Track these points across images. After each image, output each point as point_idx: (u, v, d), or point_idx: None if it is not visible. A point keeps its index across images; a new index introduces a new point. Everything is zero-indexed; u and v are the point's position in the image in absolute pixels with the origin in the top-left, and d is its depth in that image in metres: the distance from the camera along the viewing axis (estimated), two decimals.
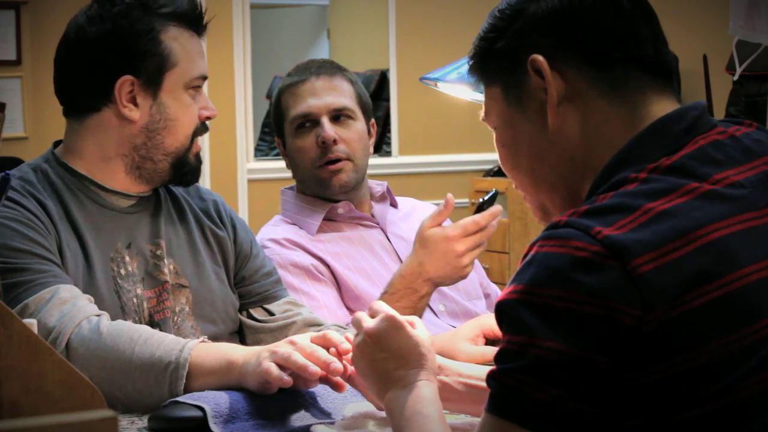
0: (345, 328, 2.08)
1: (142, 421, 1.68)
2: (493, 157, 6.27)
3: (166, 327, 1.97)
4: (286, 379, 1.66)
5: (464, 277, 2.30)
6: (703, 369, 1.15)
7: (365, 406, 1.70)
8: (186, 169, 2.04)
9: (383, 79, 6.62)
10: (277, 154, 6.91)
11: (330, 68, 2.57)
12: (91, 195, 2.01)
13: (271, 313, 2.14)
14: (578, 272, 1.15)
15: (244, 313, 2.14)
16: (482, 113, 1.43)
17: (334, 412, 1.72)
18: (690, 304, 1.15)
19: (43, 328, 1.77)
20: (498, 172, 5.75)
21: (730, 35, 3.58)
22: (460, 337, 2.10)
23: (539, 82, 1.33)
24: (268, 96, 7.32)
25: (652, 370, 1.15)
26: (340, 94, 2.53)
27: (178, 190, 2.15)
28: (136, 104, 2.00)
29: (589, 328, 1.14)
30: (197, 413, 1.63)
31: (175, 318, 2.01)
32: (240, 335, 2.13)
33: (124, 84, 1.99)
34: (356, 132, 2.53)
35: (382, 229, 2.59)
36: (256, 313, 2.14)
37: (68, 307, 1.80)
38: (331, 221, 2.55)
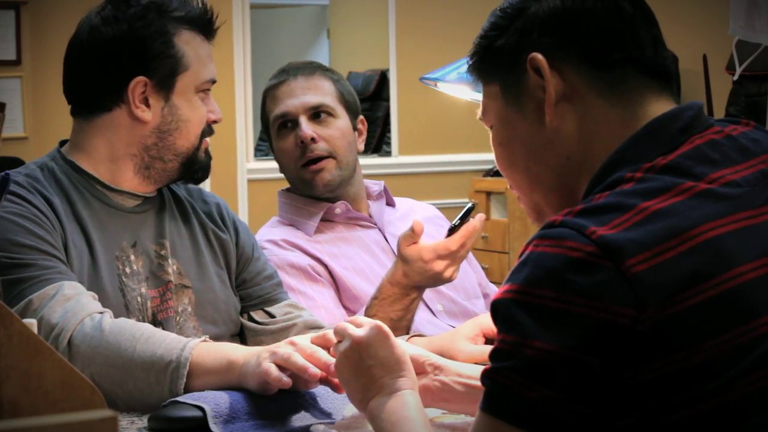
0: None
1: (142, 421, 1.69)
2: (493, 157, 6.27)
3: (169, 327, 1.98)
4: (286, 380, 1.66)
5: (452, 281, 2.31)
6: (698, 368, 1.15)
7: None
8: (196, 167, 2.08)
9: (383, 79, 6.62)
10: None
11: (308, 68, 2.58)
12: (96, 194, 2.02)
13: (271, 316, 2.14)
14: (572, 273, 1.15)
15: (245, 315, 2.15)
16: (479, 112, 1.43)
17: (334, 412, 1.72)
18: (684, 303, 1.15)
19: (47, 324, 1.77)
20: (497, 172, 5.75)
21: (730, 35, 3.58)
22: (459, 337, 2.10)
23: (538, 81, 1.33)
24: None
25: (646, 369, 1.15)
26: (318, 92, 2.54)
27: (182, 193, 2.16)
28: (148, 105, 2.01)
29: (583, 328, 1.15)
30: (197, 413, 1.63)
31: (178, 318, 2.02)
32: (241, 337, 2.14)
33: (137, 85, 2.00)
34: (337, 129, 2.53)
35: (380, 229, 2.59)
36: (257, 315, 2.15)
37: (72, 304, 1.81)
38: (328, 222, 2.55)
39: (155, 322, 1.96)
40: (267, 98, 2.59)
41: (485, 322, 2.11)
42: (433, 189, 5.99)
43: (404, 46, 6.13)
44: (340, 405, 1.72)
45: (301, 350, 1.68)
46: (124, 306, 1.94)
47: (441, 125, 6.03)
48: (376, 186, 2.64)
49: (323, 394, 1.74)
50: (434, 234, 2.41)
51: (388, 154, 6.25)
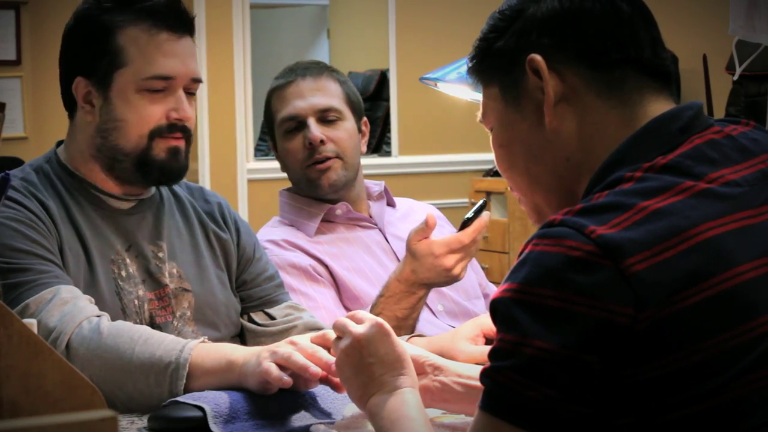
0: None
1: (142, 421, 1.69)
2: (493, 157, 6.27)
3: (167, 330, 1.97)
4: (286, 379, 1.66)
5: (459, 280, 2.31)
6: (698, 367, 1.15)
7: None
8: (150, 168, 1.99)
9: (383, 79, 6.62)
10: None
11: (316, 69, 2.57)
12: (89, 197, 2.01)
13: (272, 317, 2.14)
14: (571, 272, 1.15)
15: (245, 316, 2.14)
16: (479, 114, 1.43)
17: (334, 412, 1.72)
18: (684, 303, 1.15)
19: (44, 329, 1.77)
20: (497, 173, 5.74)
21: (730, 35, 3.58)
22: (460, 337, 2.10)
23: (537, 82, 1.33)
24: None
25: (645, 368, 1.15)
26: (326, 94, 2.54)
27: (183, 192, 2.15)
28: (92, 105, 2.00)
29: (582, 327, 1.15)
30: (197, 413, 1.63)
31: (176, 323, 2.01)
32: (241, 338, 2.13)
33: (79, 84, 2.00)
34: (345, 131, 2.53)
35: (380, 230, 2.59)
36: (258, 317, 2.14)
37: (69, 308, 1.80)
38: (329, 222, 2.55)
39: (153, 325, 1.95)
40: (273, 98, 2.58)
41: (485, 322, 2.11)
42: (433, 189, 5.99)
43: (404, 46, 6.13)
44: (340, 405, 1.72)
45: (301, 349, 1.68)
46: (120, 309, 1.94)
47: (441, 125, 6.03)
48: (376, 186, 2.64)
49: (323, 394, 1.74)
50: (435, 235, 2.41)
51: (388, 154, 6.25)
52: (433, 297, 2.46)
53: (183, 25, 2.01)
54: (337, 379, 1.68)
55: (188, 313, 2.03)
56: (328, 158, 2.50)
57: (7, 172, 1.64)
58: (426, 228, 2.26)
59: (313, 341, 1.70)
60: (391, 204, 2.68)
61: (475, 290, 2.58)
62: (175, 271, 2.04)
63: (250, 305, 2.15)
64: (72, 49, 2.02)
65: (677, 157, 1.25)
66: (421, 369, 1.66)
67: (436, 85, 2.53)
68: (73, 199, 1.99)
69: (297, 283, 2.41)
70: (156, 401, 1.71)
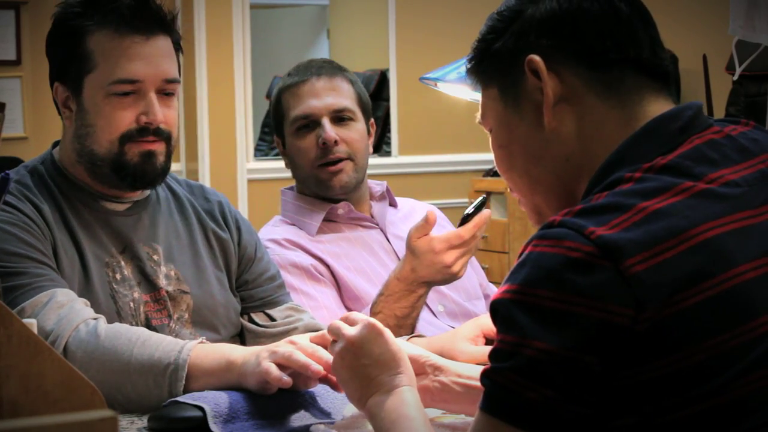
0: None
1: (142, 421, 1.68)
2: (493, 157, 6.26)
3: (163, 333, 1.96)
4: (286, 379, 1.66)
5: (459, 278, 2.30)
6: (698, 368, 1.15)
7: None
8: (126, 172, 1.97)
9: (383, 79, 6.62)
10: (277, 154, 6.90)
11: (330, 68, 2.57)
12: (83, 199, 2.00)
13: (272, 319, 2.13)
14: (571, 273, 1.15)
15: (246, 316, 2.13)
16: (479, 115, 1.43)
17: (334, 412, 1.72)
18: (684, 303, 1.15)
19: (41, 332, 1.76)
20: (497, 173, 5.74)
21: (730, 35, 3.58)
22: (460, 337, 2.10)
23: (536, 83, 1.33)
24: (268, 96, 7.32)
25: (645, 369, 1.15)
26: (341, 94, 2.53)
27: (182, 191, 2.15)
28: (71, 110, 2.00)
29: (582, 328, 1.15)
30: (197, 413, 1.63)
31: (173, 325, 2.00)
32: (241, 339, 2.12)
33: (58, 90, 2.00)
34: (357, 132, 2.54)
35: (382, 230, 2.59)
36: (258, 317, 2.14)
37: (65, 311, 1.80)
38: (330, 222, 2.55)
39: (149, 328, 1.94)
40: (286, 95, 2.56)
41: (486, 322, 2.11)
42: (433, 189, 5.99)
43: (404, 46, 6.13)
44: (340, 405, 1.72)
45: (302, 349, 1.68)
46: (116, 312, 1.93)
47: (441, 125, 6.03)
48: (378, 186, 2.64)
49: (323, 394, 1.74)
50: (435, 233, 2.41)
51: (388, 154, 6.25)
52: (433, 297, 2.45)
53: (152, 25, 1.97)
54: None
55: (186, 316, 2.02)
56: (341, 159, 2.50)
57: (6, 172, 1.64)
58: (426, 225, 2.26)
59: (312, 341, 1.70)
60: (392, 204, 2.68)
61: (476, 291, 2.58)
62: (172, 273, 2.03)
63: (251, 305, 2.14)
64: (49, 55, 2.03)
65: (677, 158, 1.24)
66: (421, 369, 1.65)
67: (436, 85, 2.53)
68: (67, 201, 1.99)
69: (298, 282, 2.41)
70: (155, 403, 1.71)
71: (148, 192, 2.07)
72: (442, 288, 2.46)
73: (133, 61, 1.95)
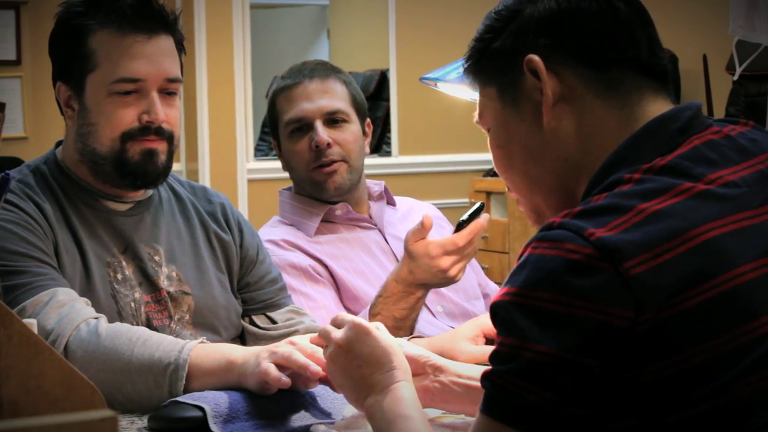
0: None
1: (142, 421, 1.68)
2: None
3: (164, 334, 1.96)
4: (285, 380, 1.66)
5: (457, 281, 2.30)
6: (698, 369, 1.15)
7: None
8: (127, 171, 1.97)
9: (383, 79, 6.62)
10: (276, 154, 6.91)
11: (323, 70, 2.56)
12: (86, 199, 2.00)
13: (273, 321, 2.13)
14: (571, 275, 1.15)
15: (247, 319, 2.13)
16: (476, 115, 1.43)
17: (334, 412, 1.72)
18: (683, 305, 1.15)
19: (42, 331, 1.76)
20: (497, 173, 5.73)
21: (730, 35, 3.58)
22: (460, 337, 2.10)
23: (535, 83, 1.33)
24: (268, 96, 7.32)
25: (646, 370, 1.15)
26: (333, 96, 2.53)
27: (185, 192, 2.15)
28: (73, 109, 2.00)
29: (582, 330, 1.15)
30: (197, 413, 1.63)
31: (173, 326, 2.00)
32: (241, 340, 2.12)
33: (60, 89, 2.00)
34: (351, 134, 2.53)
35: (380, 230, 2.59)
36: (259, 320, 2.14)
37: (66, 310, 1.80)
38: (328, 223, 2.55)
39: (150, 328, 1.94)
40: (279, 98, 2.56)
41: (486, 322, 2.11)
42: (433, 189, 5.99)
43: (404, 46, 6.13)
44: (340, 405, 1.72)
45: (301, 350, 1.68)
46: (116, 312, 1.93)
47: (441, 125, 6.02)
48: (376, 186, 2.64)
49: (323, 394, 1.74)
50: (435, 235, 2.41)
51: (388, 154, 6.25)
52: (432, 298, 2.45)
53: (155, 24, 1.97)
54: None
55: (187, 317, 2.02)
56: (334, 161, 2.50)
57: (7, 172, 1.64)
58: (422, 229, 2.26)
59: (312, 342, 1.70)
60: (391, 203, 2.68)
61: (475, 291, 2.58)
62: (174, 274, 2.03)
63: (252, 308, 2.14)
64: (52, 54, 2.03)
65: (676, 158, 1.24)
66: (421, 369, 1.65)
67: (436, 85, 2.53)
68: (69, 200, 1.99)
69: (297, 283, 2.41)
70: (156, 402, 1.71)
71: (150, 192, 2.07)
72: (441, 288, 2.46)
73: (135, 59, 1.95)
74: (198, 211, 2.13)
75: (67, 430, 0.90)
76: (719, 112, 4.43)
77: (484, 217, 2.28)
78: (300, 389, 1.71)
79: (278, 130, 2.57)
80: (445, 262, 2.24)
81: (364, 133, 2.60)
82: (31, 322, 1.48)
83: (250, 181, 5.78)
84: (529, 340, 1.16)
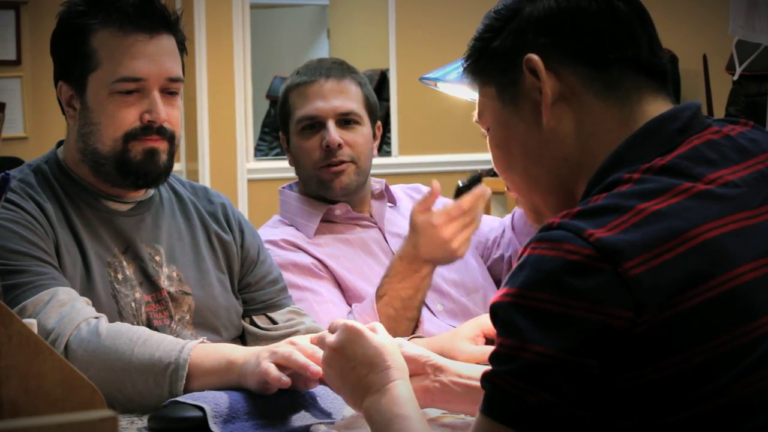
0: None
1: (142, 421, 1.68)
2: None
3: (164, 333, 1.96)
4: (285, 379, 1.66)
5: (460, 257, 2.30)
6: (698, 369, 1.15)
7: None
8: (128, 170, 1.97)
9: (383, 79, 6.62)
10: (276, 154, 6.91)
11: (340, 70, 2.55)
12: (87, 199, 2.00)
13: (274, 322, 2.13)
14: (570, 276, 1.15)
15: (247, 319, 2.13)
16: (475, 114, 1.42)
17: (334, 412, 1.72)
18: (683, 305, 1.15)
19: (42, 330, 1.76)
20: (497, 173, 5.73)
21: (730, 35, 3.58)
22: (460, 337, 2.10)
23: (534, 82, 1.32)
24: (268, 96, 7.33)
25: (645, 371, 1.15)
26: (348, 97, 2.52)
27: (186, 192, 2.15)
28: (75, 109, 2.00)
29: (581, 331, 1.14)
30: (197, 413, 1.63)
31: (174, 326, 2.00)
32: (242, 340, 2.12)
33: (62, 89, 2.01)
34: (362, 136, 2.53)
35: (380, 229, 2.59)
36: (259, 320, 2.14)
37: (67, 310, 1.80)
38: (328, 222, 2.55)
39: (150, 328, 1.94)
40: (293, 93, 2.55)
41: (486, 322, 2.11)
42: None
43: (404, 45, 6.13)
44: (340, 405, 1.72)
45: (302, 350, 1.68)
46: (117, 312, 1.93)
47: (441, 125, 6.02)
48: (377, 184, 2.64)
49: (323, 394, 1.74)
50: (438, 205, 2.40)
51: (388, 154, 6.25)
52: (432, 296, 2.45)
53: (156, 23, 1.97)
54: None
55: (187, 317, 2.02)
56: (343, 162, 2.50)
57: (7, 172, 1.64)
58: (430, 197, 2.25)
59: (312, 342, 1.70)
60: (391, 202, 2.68)
61: (474, 284, 2.57)
62: (175, 274, 2.03)
63: (253, 308, 2.14)
64: (54, 54, 2.03)
65: (675, 158, 1.24)
66: (421, 369, 1.65)
67: (436, 85, 2.53)
68: (70, 200, 1.99)
69: (301, 280, 2.41)
70: (156, 402, 1.71)
71: (151, 192, 2.07)
72: (442, 285, 2.46)
73: (136, 59, 1.95)
74: (199, 212, 2.13)
75: (67, 430, 0.91)
76: (719, 112, 4.43)
77: (484, 187, 2.28)
78: (300, 389, 1.71)
79: (288, 126, 2.57)
80: (449, 230, 2.24)
81: (374, 135, 2.60)
82: (31, 322, 1.48)
83: (250, 181, 5.77)
84: (529, 341, 1.16)
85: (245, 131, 5.80)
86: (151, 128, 1.96)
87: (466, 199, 2.24)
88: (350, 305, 2.43)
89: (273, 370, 1.66)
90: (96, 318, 1.81)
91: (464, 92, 2.47)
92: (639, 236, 1.16)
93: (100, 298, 1.92)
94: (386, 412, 1.47)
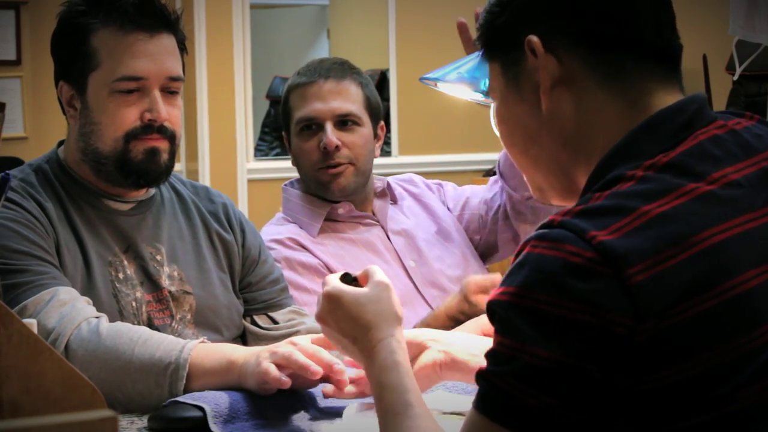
0: None
1: (142, 421, 1.68)
2: (493, 157, 6.27)
3: (166, 333, 1.96)
4: (285, 380, 1.66)
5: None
6: (701, 378, 1.14)
7: (365, 405, 1.71)
8: (129, 170, 1.97)
9: (383, 79, 6.62)
10: (276, 154, 6.91)
11: (341, 71, 2.54)
12: (88, 198, 2.01)
13: (275, 322, 2.13)
14: (571, 278, 1.13)
15: (248, 319, 2.13)
16: (487, 83, 1.41)
17: (334, 412, 1.72)
18: (685, 314, 1.13)
19: (43, 330, 1.76)
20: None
21: (730, 35, 3.58)
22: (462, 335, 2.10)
23: (535, 63, 1.30)
24: (268, 96, 7.33)
25: (647, 378, 1.13)
26: (347, 99, 2.52)
27: (187, 192, 2.15)
28: (75, 108, 2.00)
29: (581, 336, 1.13)
30: (197, 413, 1.63)
31: (175, 325, 2.00)
32: (243, 340, 2.12)
33: (63, 89, 2.01)
34: (361, 137, 2.52)
35: (383, 227, 2.59)
36: (260, 320, 2.14)
37: (67, 309, 1.80)
38: (331, 221, 2.55)
39: (151, 328, 1.94)
40: (293, 94, 2.55)
41: (486, 322, 2.10)
42: None
43: (404, 46, 6.13)
44: (340, 405, 1.72)
45: (302, 350, 1.68)
46: (117, 311, 1.93)
47: (441, 125, 6.02)
48: (379, 183, 2.64)
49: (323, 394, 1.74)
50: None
51: (388, 154, 6.25)
52: (434, 293, 2.46)
53: (156, 22, 1.98)
54: (339, 378, 1.68)
55: (188, 316, 2.02)
56: (341, 164, 2.50)
57: (7, 172, 1.64)
58: (490, 287, 2.25)
59: (314, 342, 1.70)
60: (393, 200, 2.67)
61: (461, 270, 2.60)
62: (176, 273, 2.03)
63: (254, 308, 2.14)
64: (54, 53, 2.03)
65: (680, 155, 1.22)
66: (422, 346, 1.67)
67: (436, 85, 2.53)
68: (71, 200, 1.99)
69: (307, 281, 2.41)
70: (156, 402, 1.71)
71: (152, 192, 2.07)
72: (443, 282, 2.48)
73: (137, 58, 1.95)
74: (200, 211, 2.13)
75: (67, 430, 0.90)
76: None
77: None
78: (300, 389, 1.71)
79: (289, 126, 2.57)
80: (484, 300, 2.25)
81: (376, 135, 2.59)
82: (31, 322, 1.48)
83: (250, 181, 5.77)
84: (528, 343, 1.14)
85: (245, 131, 5.80)
86: (151, 127, 1.97)
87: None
88: None
89: (273, 371, 1.66)
90: (96, 318, 1.81)
91: (464, 92, 2.46)
92: (642, 241, 1.14)
93: (101, 298, 1.92)
94: (375, 384, 1.47)
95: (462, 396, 1.79)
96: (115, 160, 1.97)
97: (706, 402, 1.14)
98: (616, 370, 1.13)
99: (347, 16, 7.82)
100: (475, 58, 2.47)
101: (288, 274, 2.32)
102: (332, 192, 2.51)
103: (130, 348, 1.76)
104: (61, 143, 2.07)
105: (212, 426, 1.62)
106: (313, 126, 2.51)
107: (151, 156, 1.97)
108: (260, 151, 6.62)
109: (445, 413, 1.69)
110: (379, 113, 2.60)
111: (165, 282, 2.01)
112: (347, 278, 1.62)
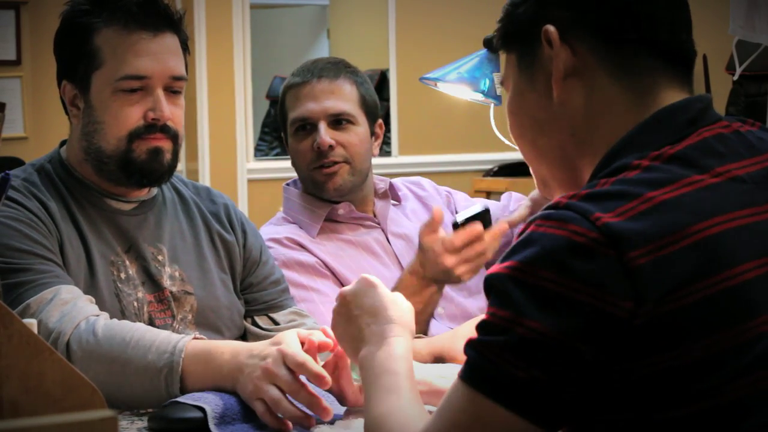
0: None
1: (142, 421, 1.68)
2: (493, 157, 6.28)
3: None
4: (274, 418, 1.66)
5: (465, 282, 2.29)
6: (695, 366, 1.15)
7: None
8: (132, 169, 1.97)
9: (383, 79, 6.62)
10: (276, 154, 6.91)
11: (333, 70, 2.54)
12: (90, 198, 2.01)
13: (275, 323, 2.13)
14: (574, 257, 1.15)
15: (249, 319, 2.13)
16: (501, 76, 1.43)
17: (334, 412, 1.71)
18: (684, 300, 1.15)
19: (44, 329, 1.76)
20: (498, 173, 5.74)
21: (730, 35, 3.58)
22: (459, 337, 2.10)
23: (550, 53, 1.32)
24: (268, 96, 7.33)
25: (641, 364, 1.15)
26: (340, 98, 2.51)
27: (188, 192, 2.14)
28: (78, 108, 2.00)
29: (578, 315, 1.14)
30: (197, 414, 1.63)
31: (176, 325, 1.99)
32: (243, 341, 2.11)
33: (66, 88, 2.01)
34: (356, 136, 2.52)
35: (383, 230, 2.58)
36: (261, 321, 2.13)
37: (69, 308, 1.80)
38: (331, 222, 2.54)
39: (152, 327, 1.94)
40: (287, 96, 2.55)
41: (438, 344, 2.12)
42: None
43: (404, 46, 6.13)
44: (339, 405, 1.72)
45: (291, 360, 1.64)
46: (119, 311, 1.93)
47: (441, 125, 6.02)
48: (381, 183, 2.63)
49: (323, 394, 1.73)
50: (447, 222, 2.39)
51: (388, 154, 6.25)
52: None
53: (160, 22, 1.98)
54: (341, 386, 1.68)
55: (189, 317, 2.02)
56: (336, 163, 2.49)
57: (7, 172, 1.64)
58: (433, 222, 2.25)
59: (300, 339, 1.69)
60: (396, 200, 2.67)
61: (478, 285, 2.57)
62: (177, 273, 2.03)
63: (255, 309, 2.14)
64: (57, 53, 2.03)
65: (685, 149, 1.24)
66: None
67: (436, 85, 2.53)
68: (74, 199, 1.99)
69: (306, 279, 2.40)
70: (156, 401, 1.71)
71: (154, 192, 2.07)
72: (446, 289, 2.47)
73: (140, 57, 1.95)
74: (201, 212, 2.13)
75: (67, 430, 0.91)
76: (719, 112, 4.43)
77: (491, 233, 2.24)
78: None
79: (286, 127, 2.57)
80: (449, 260, 2.23)
81: (374, 134, 2.59)
82: (32, 322, 1.48)
83: (250, 181, 5.77)
84: (524, 315, 1.15)
85: (245, 131, 5.80)
86: (154, 126, 1.97)
87: (459, 236, 2.22)
88: None
89: (260, 407, 1.65)
90: (96, 316, 1.81)
91: (464, 92, 2.47)
92: (645, 226, 1.16)
93: (103, 297, 1.92)
94: (378, 366, 1.47)
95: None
96: (118, 159, 1.97)
97: (700, 390, 1.15)
98: (610, 352, 1.14)
99: (347, 16, 7.82)
100: (475, 58, 2.47)
101: (286, 272, 2.32)
102: (328, 191, 2.51)
103: (123, 350, 1.75)
104: (63, 143, 2.07)
105: (212, 427, 1.62)
106: (308, 126, 2.50)
107: (154, 155, 1.97)
108: (260, 151, 6.62)
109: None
110: (376, 112, 2.59)
111: (166, 282, 2.01)
112: None
